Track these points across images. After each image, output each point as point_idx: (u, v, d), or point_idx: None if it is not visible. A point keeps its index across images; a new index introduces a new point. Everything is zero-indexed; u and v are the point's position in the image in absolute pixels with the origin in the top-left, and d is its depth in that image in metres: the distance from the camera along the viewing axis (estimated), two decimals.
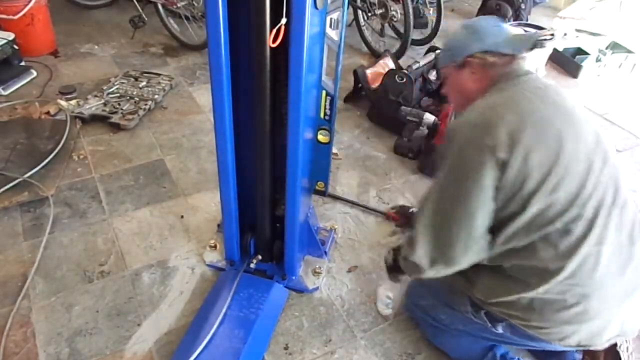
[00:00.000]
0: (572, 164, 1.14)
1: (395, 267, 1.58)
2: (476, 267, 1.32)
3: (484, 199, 1.16)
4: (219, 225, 2.04)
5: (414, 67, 2.83)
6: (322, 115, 1.54)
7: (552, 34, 1.31)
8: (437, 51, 3.05)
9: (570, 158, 1.14)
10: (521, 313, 1.25)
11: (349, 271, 1.91)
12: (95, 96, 2.85)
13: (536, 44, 1.28)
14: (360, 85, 3.02)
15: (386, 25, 3.73)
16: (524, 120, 1.14)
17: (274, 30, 1.25)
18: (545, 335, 1.25)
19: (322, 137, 1.60)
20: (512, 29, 1.35)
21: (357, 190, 2.38)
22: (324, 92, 1.49)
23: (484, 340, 1.49)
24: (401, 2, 3.36)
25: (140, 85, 2.99)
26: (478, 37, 1.32)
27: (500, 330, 1.35)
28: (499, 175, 1.14)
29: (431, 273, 1.30)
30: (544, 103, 1.20)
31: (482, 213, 1.18)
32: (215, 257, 1.92)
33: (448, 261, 1.25)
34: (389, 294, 1.76)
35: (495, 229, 1.21)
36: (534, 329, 1.26)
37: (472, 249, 1.22)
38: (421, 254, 1.28)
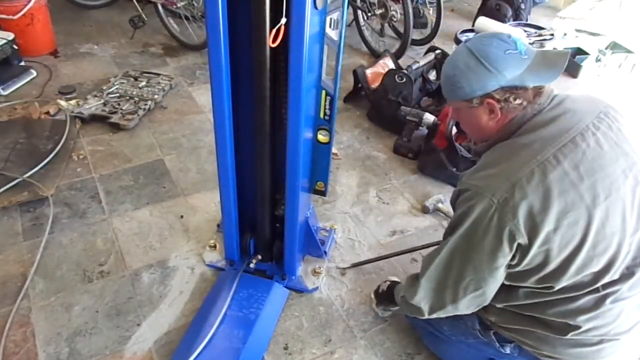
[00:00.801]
0: (600, 243, 1.06)
1: (387, 298, 1.60)
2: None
3: (496, 272, 1.11)
4: (218, 225, 2.04)
5: (414, 67, 2.83)
6: (322, 115, 1.54)
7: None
8: (437, 51, 3.05)
9: (598, 237, 1.05)
10: (534, 342, 1.23)
11: (343, 274, 1.91)
12: (95, 96, 2.85)
13: (566, 61, 1.11)
14: (360, 85, 3.02)
15: (386, 25, 3.73)
16: (548, 200, 1.01)
17: (274, 30, 1.25)
18: None
19: (322, 137, 1.59)
20: (531, 48, 1.13)
21: (357, 190, 2.38)
22: (323, 92, 1.49)
23: (485, 354, 1.46)
24: (401, 2, 3.36)
25: (140, 85, 2.99)
26: (495, 71, 1.08)
27: (507, 351, 1.32)
28: (515, 254, 1.08)
29: (429, 316, 1.30)
30: (576, 170, 1.04)
31: (492, 281, 1.13)
32: (215, 257, 1.91)
33: (448, 312, 1.25)
34: None
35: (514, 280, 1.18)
36: (544, 357, 1.24)
37: (475, 306, 1.21)
38: (421, 301, 1.28)
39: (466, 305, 1.22)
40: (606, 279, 1.10)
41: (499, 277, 1.13)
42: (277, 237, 1.78)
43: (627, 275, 1.13)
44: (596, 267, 1.08)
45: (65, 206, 2.14)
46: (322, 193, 1.77)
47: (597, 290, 1.11)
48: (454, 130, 2.44)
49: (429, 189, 2.40)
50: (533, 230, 1.03)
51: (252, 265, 1.80)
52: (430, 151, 2.49)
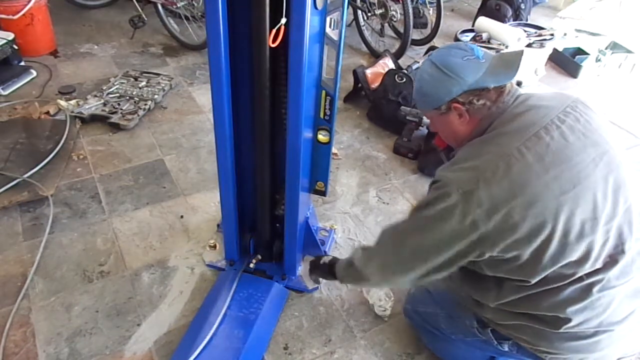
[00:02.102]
0: (572, 231, 1.07)
1: (325, 270, 1.62)
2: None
3: (446, 257, 1.14)
4: (218, 225, 2.04)
5: (414, 67, 2.84)
6: (322, 115, 1.54)
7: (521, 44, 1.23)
8: None
9: (568, 226, 1.06)
10: (530, 338, 1.23)
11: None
12: (95, 96, 2.85)
13: (520, 60, 1.16)
14: (360, 85, 3.02)
15: (386, 25, 3.73)
16: (513, 192, 1.05)
17: (274, 30, 1.25)
18: (552, 359, 1.24)
19: (322, 137, 1.59)
20: (488, 52, 1.20)
21: (357, 190, 2.38)
22: (323, 92, 1.49)
23: (484, 352, 1.47)
24: (401, 2, 3.36)
25: (140, 85, 2.99)
26: (456, 77, 1.16)
27: (506, 348, 1.33)
28: (480, 245, 1.09)
29: (372, 285, 1.38)
30: (541, 161, 1.07)
31: (439, 268, 1.17)
32: (214, 257, 1.91)
33: (391, 284, 1.36)
34: (380, 298, 1.77)
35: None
36: (542, 353, 1.24)
37: (417, 285, 1.30)
38: (370, 270, 1.34)
39: (411, 283, 1.27)
40: (587, 268, 1.11)
41: (448, 264, 1.16)
42: (277, 237, 1.78)
43: (610, 263, 1.12)
44: (573, 256, 1.09)
45: (65, 206, 2.14)
46: (322, 193, 1.77)
47: (580, 279, 1.12)
48: None
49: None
50: (498, 221, 1.06)
51: (252, 265, 1.80)
52: (430, 151, 2.49)
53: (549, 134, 1.11)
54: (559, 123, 1.13)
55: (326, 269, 1.62)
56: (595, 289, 1.12)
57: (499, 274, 1.17)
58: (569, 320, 1.15)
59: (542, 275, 1.11)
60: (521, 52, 1.19)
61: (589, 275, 1.12)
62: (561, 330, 1.17)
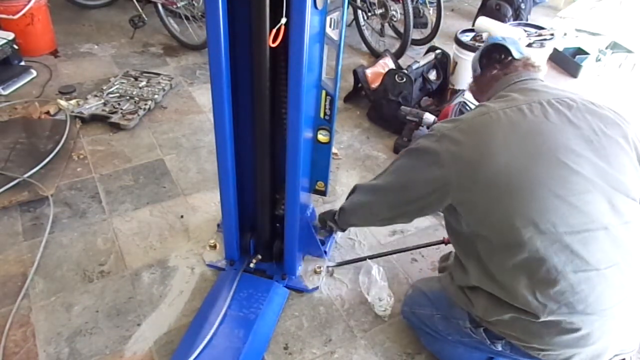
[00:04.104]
0: (522, 191, 1.14)
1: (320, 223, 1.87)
2: (474, 289, 1.33)
3: (417, 188, 1.33)
4: (218, 225, 2.04)
5: (414, 67, 2.83)
6: (322, 115, 1.54)
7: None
8: (437, 51, 3.05)
9: (521, 184, 1.14)
10: (520, 334, 1.24)
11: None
12: (95, 96, 2.85)
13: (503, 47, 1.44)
14: (360, 85, 3.02)
15: (386, 25, 3.74)
16: (478, 141, 1.21)
17: (274, 30, 1.25)
18: (545, 356, 1.23)
19: (322, 137, 1.60)
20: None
21: None
22: (323, 92, 1.49)
23: (481, 353, 1.46)
24: (401, 2, 3.36)
25: (140, 85, 3.00)
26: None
27: (499, 348, 1.34)
28: (442, 185, 1.25)
29: (356, 220, 1.66)
30: (512, 125, 1.20)
31: (409, 200, 1.37)
32: (215, 256, 1.92)
33: (366, 214, 1.58)
34: (380, 298, 1.77)
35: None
36: (534, 350, 1.24)
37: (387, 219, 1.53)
38: (353, 200, 1.63)
39: (386, 209, 1.49)
40: (545, 241, 1.11)
41: (421, 194, 1.32)
42: (277, 237, 1.78)
43: (581, 241, 1.11)
44: (525, 218, 1.12)
45: (65, 206, 2.14)
46: (323, 193, 1.77)
47: (536, 252, 1.12)
48: None
49: None
50: (461, 164, 1.21)
51: (252, 265, 1.80)
52: None
53: (532, 110, 1.22)
54: (547, 105, 1.23)
55: (321, 223, 1.86)
56: (569, 269, 1.11)
57: (475, 229, 1.24)
58: (544, 305, 1.14)
59: (500, 235, 1.17)
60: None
61: (568, 258, 1.12)
62: (542, 320, 1.16)
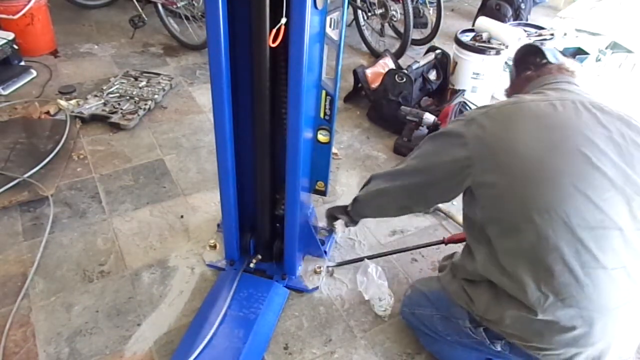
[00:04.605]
0: (543, 182, 1.15)
1: (330, 216, 1.87)
2: (475, 284, 1.33)
3: (442, 169, 1.32)
4: (218, 225, 2.04)
5: (414, 67, 2.84)
6: (322, 115, 1.54)
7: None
8: (437, 51, 3.05)
9: (541, 174, 1.15)
10: (520, 332, 1.23)
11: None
12: (95, 96, 2.85)
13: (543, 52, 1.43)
14: (360, 85, 3.03)
15: (386, 25, 3.74)
16: (503, 128, 1.23)
17: (274, 30, 1.25)
18: (545, 356, 1.23)
19: (322, 137, 1.60)
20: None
21: (357, 190, 2.36)
22: (323, 92, 1.49)
23: (480, 353, 1.47)
24: (401, 2, 3.37)
25: (140, 85, 3.00)
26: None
27: (498, 348, 1.33)
28: (464, 165, 1.25)
29: (377, 196, 1.59)
30: (537, 119, 1.21)
31: (433, 179, 1.36)
32: (215, 256, 1.91)
33: (383, 199, 1.56)
34: (380, 297, 1.78)
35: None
36: (534, 350, 1.23)
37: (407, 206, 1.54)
38: (372, 185, 1.61)
39: (404, 196, 1.50)
40: (557, 230, 1.11)
41: (443, 177, 1.33)
42: (277, 237, 1.78)
43: (595, 239, 1.11)
44: (541, 205, 1.13)
45: (65, 206, 2.14)
46: (323, 193, 1.77)
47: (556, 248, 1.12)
48: None
49: None
50: (484, 144, 1.23)
51: (252, 265, 1.80)
52: None
53: (564, 106, 1.23)
54: (579, 105, 1.23)
55: (331, 216, 1.85)
56: (577, 263, 1.11)
57: (489, 212, 1.25)
58: (546, 296, 1.14)
59: (524, 219, 1.16)
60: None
61: (562, 241, 1.12)
62: (542, 315, 1.15)
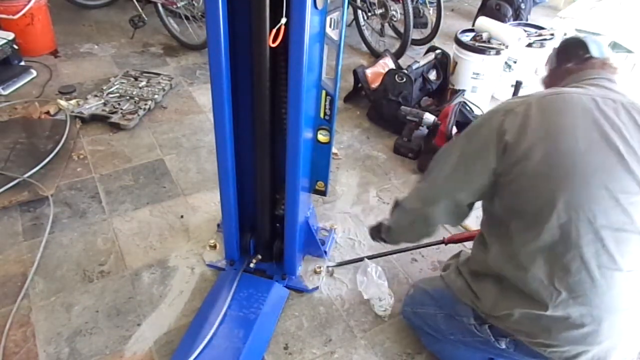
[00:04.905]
0: (576, 178, 1.12)
1: (375, 229, 1.72)
2: (481, 279, 1.33)
3: (472, 166, 1.26)
4: (218, 225, 2.04)
5: (414, 66, 2.84)
6: (322, 115, 1.54)
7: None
8: (437, 51, 3.05)
9: (577, 170, 1.12)
10: (527, 328, 1.23)
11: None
12: (95, 96, 2.85)
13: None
14: (360, 85, 3.03)
15: (386, 25, 3.74)
16: (544, 120, 1.18)
17: (274, 30, 1.25)
18: (551, 353, 1.22)
19: (322, 137, 1.60)
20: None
21: (357, 190, 2.38)
22: (323, 92, 1.49)
23: (483, 353, 1.47)
24: (401, 2, 3.37)
25: (140, 85, 3.00)
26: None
27: (503, 346, 1.33)
28: (501, 156, 1.19)
29: (409, 218, 1.46)
30: (579, 112, 1.17)
31: (465, 176, 1.28)
32: (215, 256, 1.91)
33: (425, 210, 1.39)
34: (380, 297, 1.78)
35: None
36: (540, 347, 1.23)
37: (446, 205, 1.34)
38: (411, 197, 1.46)
39: (448, 204, 1.35)
40: (581, 229, 1.11)
41: (478, 176, 1.26)
42: (277, 237, 1.78)
43: (616, 239, 1.11)
44: (569, 201, 1.12)
45: (65, 206, 2.14)
46: (322, 193, 1.77)
47: (578, 247, 1.12)
48: (454, 130, 2.44)
49: None
50: (522, 135, 1.17)
51: (252, 265, 1.80)
52: (430, 151, 2.48)
53: (605, 103, 1.19)
54: (620, 105, 1.20)
55: (377, 228, 1.70)
56: (595, 263, 1.12)
57: (511, 203, 1.22)
58: (559, 292, 1.14)
59: (546, 212, 1.13)
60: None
61: (590, 243, 1.12)
62: (551, 311, 1.16)
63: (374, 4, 3.51)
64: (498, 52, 2.90)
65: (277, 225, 1.77)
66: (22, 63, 3.15)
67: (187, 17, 3.51)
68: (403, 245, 1.99)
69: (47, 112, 2.70)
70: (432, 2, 3.81)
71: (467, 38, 3.02)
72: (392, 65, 3.16)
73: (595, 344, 1.17)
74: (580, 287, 1.13)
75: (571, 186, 1.12)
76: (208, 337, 1.54)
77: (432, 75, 3.03)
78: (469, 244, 1.89)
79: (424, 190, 1.41)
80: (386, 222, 1.62)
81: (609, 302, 1.14)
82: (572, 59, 1.40)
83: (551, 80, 1.47)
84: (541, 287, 1.17)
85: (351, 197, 2.33)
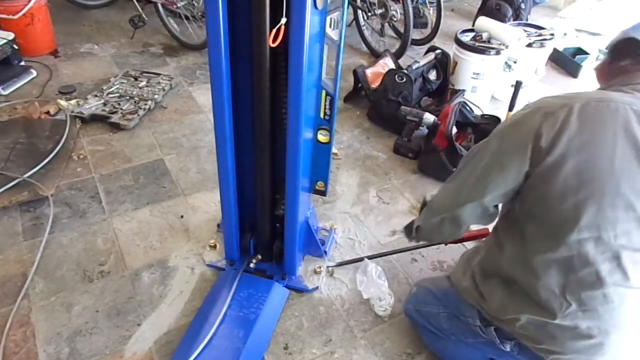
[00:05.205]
0: (605, 196, 1.08)
1: (407, 229, 1.61)
2: (490, 280, 1.32)
3: (503, 171, 1.18)
4: (218, 225, 2.04)
5: (414, 66, 2.83)
6: (322, 115, 1.54)
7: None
8: (437, 51, 3.05)
9: (605, 187, 1.08)
10: (532, 334, 1.23)
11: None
12: (95, 96, 2.85)
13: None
14: (360, 85, 3.02)
15: (386, 25, 3.73)
16: (582, 128, 1.10)
17: (274, 30, 1.25)
18: (555, 359, 1.23)
19: (322, 137, 1.60)
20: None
21: (357, 190, 2.38)
22: (323, 92, 1.49)
23: (484, 353, 1.46)
24: (401, 2, 3.36)
25: (140, 85, 2.99)
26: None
27: (507, 348, 1.33)
28: (532, 159, 1.14)
29: (437, 218, 1.36)
30: (619, 125, 1.09)
31: (496, 180, 1.20)
32: (215, 256, 1.92)
33: (453, 212, 1.31)
34: (380, 297, 1.78)
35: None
36: (543, 352, 1.24)
37: (475, 208, 1.27)
38: (439, 198, 1.38)
39: (469, 212, 1.28)
40: (600, 247, 1.10)
41: (505, 184, 1.19)
42: (277, 237, 1.78)
43: (633, 260, 1.11)
44: (593, 220, 1.09)
45: (65, 206, 2.14)
46: (322, 193, 1.77)
47: (594, 264, 1.11)
48: (454, 130, 2.44)
49: (429, 189, 2.40)
50: (557, 142, 1.10)
51: (252, 265, 1.80)
52: (430, 151, 2.49)
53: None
54: None
55: (409, 227, 1.59)
56: (610, 280, 1.11)
57: (533, 209, 1.18)
58: (569, 304, 1.14)
59: (555, 221, 1.12)
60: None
61: (610, 259, 1.11)
62: (559, 320, 1.16)
63: (374, 4, 3.51)
64: (498, 52, 2.90)
65: (277, 225, 1.77)
66: (22, 63, 3.15)
67: (187, 17, 3.51)
68: (403, 245, 1.99)
69: (47, 112, 2.70)
70: (432, 2, 3.81)
71: (467, 38, 3.02)
72: (392, 65, 3.16)
73: (599, 355, 1.18)
74: (592, 301, 1.14)
75: (598, 206, 1.09)
76: (208, 337, 1.54)
77: (432, 75, 3.03)
78: (469, 244, 1.89)
79: (453, 191, 1.33)
80: (416, 221, 1.53)
81: (618, 317, 1.15)
82: (628, 57, 1.28)
83: (601, 75, 1.38)
84: (552, 297, 1.17)
85: (351, 197, 2.33)
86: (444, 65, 3.06)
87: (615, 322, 1.16)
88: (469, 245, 1.88)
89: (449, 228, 1.36)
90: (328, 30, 1.39)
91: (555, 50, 3.64)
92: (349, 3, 2.76)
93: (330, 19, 1.37)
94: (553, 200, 1.12)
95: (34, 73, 3.12)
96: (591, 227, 1.10)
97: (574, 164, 1.09)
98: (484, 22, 3.06)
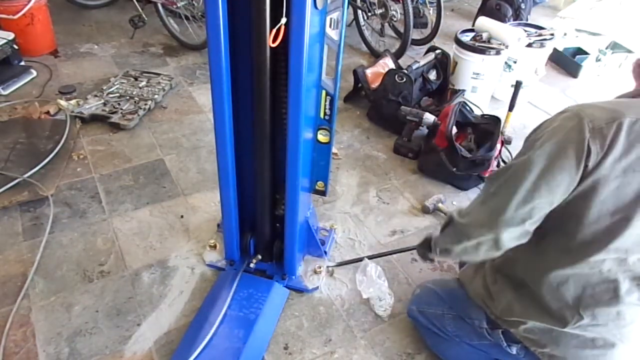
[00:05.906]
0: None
1: (423, 247, 1.51)
2: (502, 280, 1.32)
3: (551, 193, 1.10)
4: (218, 225, 2.04)
5: (414, 66, 2.83)
6: (322, 115, 1.54)
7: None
8: (437, 51, 3.05)
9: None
10: (536, 337, 1.24)
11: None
12: (95, 96, 2.85)
13: None
14: (360, 85, 3.02)
15: (386, 25, 3.73)
16: (629, 149, 1.05)
17: (274, 30, 1.25)
18: None
19: (322, 137, 1.60)
20: None
21: (357, 190, 2.38)
22: (323, 92, 1.49)
23: (488, 355, 1.46)
24: (401, 2, 3.36)
25: (140, 85, 2.99)
26: None
27: (514, 351, 1.33)
28: (577, 178, 1.07)
29: (473, 242, 1.23)
30: None
31: (542, 202, 1.12)
32: (215, 256, 1.92)
33: (494, 236, 1.18)
34: (380, 297, 1.78)
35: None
36: (547, 357, 1.24)
37: (517, 231, 1.16)
38: (472, 219, 1.24)
39: (511, 229, 1.17)
40: (622, 267, 1.11)
41: (557, 197, 1.11)
42: (277, 237, 1.78)
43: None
44: (622, 244, 1.08)
45: (65, 206, 2.14)
46: (322, 193, 1.77)
47: (616, 282, 1.12)
48: (454, 130, 2.44)
49: (429, 189, 2.40)
50: (602, 162, 1.04)
51: (252, 265, 1.80)
52: (430, 151, 2.49)
53: None
54: None
55: (425, 244, 1.49)
56: (627, 299, 1.13)
57: (561, 225, 1.15)
58: (581, 317, 1.15)
59: (583, 236, 1.10)
60: None
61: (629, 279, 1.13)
62: (568, 329, 1.16)
63: (374, 4, 3.51)
64: (498, 52, 2.90)
65: (277, 225, 1.77)
66: (22, 63, 3.15)
67: (187, 17, 3.51)
68: (403, 245, 1.99)
69: (47, 112, 2.70)
70: (432, 2, 3.81)
71: (467, 38, 3.02)
72: (392, 65, 3.16)
73: None
74: (605, 317, 1.15)
75: (629, 231, 1.08)
76: (208, 337, 1.54)
77: (432, 75, 3.03)
78: None
79: (492, 214, 1.19)
80: (440, 242, 1.39)
81: (627, 333, 1.17)
82: None
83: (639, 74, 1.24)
84: (564, 308, 1.17)
85: (351, 197, 2.33)
86: (444, 65, 3.06)
87: (623, 337, 1.17)
88: None
89: (485, 251, 1.24)
90: (328, 30, 1.39)
91: (555, 50, 3.65)
92: (349, 3, 2.76)
93: (330, 19, 1.37)
94: (586, 219, 1.09)
95: (34, 73, 3.12)
96: (619, 250, 1.10)
97: (614, 186, 1.06)
98: (484, 22, 3.06)
